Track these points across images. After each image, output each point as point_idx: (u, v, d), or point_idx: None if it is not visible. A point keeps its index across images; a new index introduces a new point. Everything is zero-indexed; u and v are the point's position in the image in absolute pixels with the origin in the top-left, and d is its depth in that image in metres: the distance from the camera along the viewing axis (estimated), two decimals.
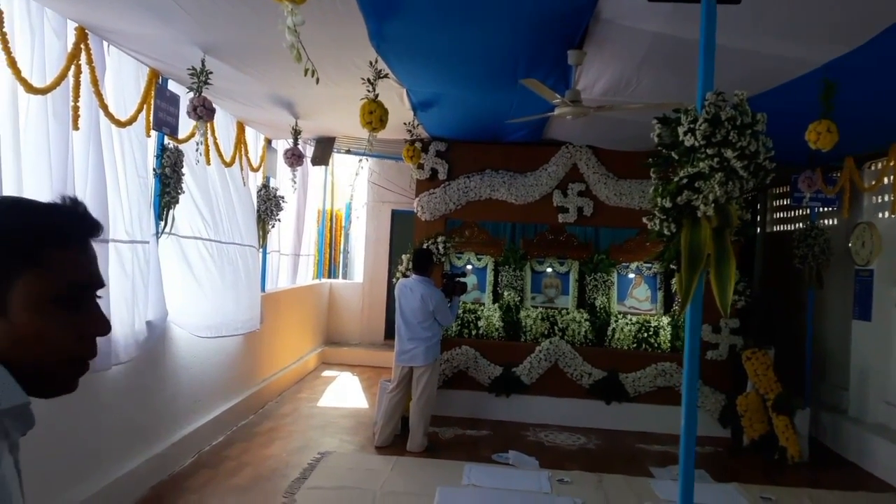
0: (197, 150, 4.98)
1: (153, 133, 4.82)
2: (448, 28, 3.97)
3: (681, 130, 2.45)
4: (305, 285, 9.86)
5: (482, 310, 7.60)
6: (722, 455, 6.53)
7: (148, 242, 4.80)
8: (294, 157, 6.87)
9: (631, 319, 7.43)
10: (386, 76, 4.65)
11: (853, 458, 6.43)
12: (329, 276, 11.54)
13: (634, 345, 7.33)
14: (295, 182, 7.44)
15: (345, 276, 12.42)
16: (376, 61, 4.45)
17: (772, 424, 6.45)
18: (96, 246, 1.08)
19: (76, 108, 3.88)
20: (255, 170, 7.12)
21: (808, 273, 6.97)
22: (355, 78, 4.73)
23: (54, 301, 0.99)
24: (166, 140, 5.02)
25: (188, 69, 4.56)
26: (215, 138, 5.76)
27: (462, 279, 6.53)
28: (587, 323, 7.42)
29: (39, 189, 3.64)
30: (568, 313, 7.53)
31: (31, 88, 3.48)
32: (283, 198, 7.48)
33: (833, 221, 7.38)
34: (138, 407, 4.80)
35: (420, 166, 7.52)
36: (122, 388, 4.55)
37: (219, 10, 3.68)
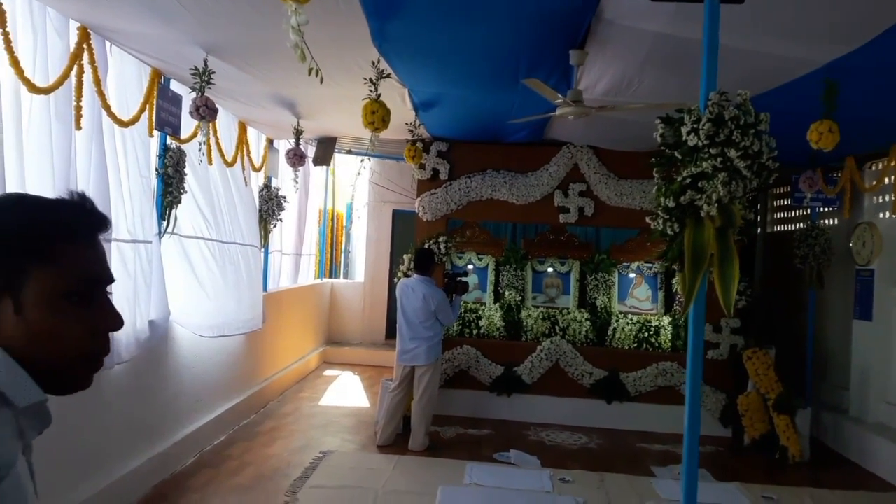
0: (200, 150, 4.98)
1: (155, 133, 4.83)
2: (450, 27, 3.98)
3: (684, 130, 2.46)
4: (307, 285, 9.87)
5: (483, 309, 7.60)
6: (723, 454, 6.53)
7: (150, 242, 4.81)
8: (296, 157, 6.88)
9: (632, 319, 7.44)
10: (388, 76, 4.65)
11: (854, 457, 6.43)
12: (330, 276, 11.55)
13: (635, 344, 7.34)
14: (297, 182, 7.45)
15: (346, 276, 12.43)
16: (378, 61, 4.46)
17: (773, 424, 6.46)
18: None
19: (79, 108, 3.88)
20: (257, 170, 7.13)
21: (808, 273, 6.98)
22: (357, 78, 4.73)
23: (66, 297, 0.99)
24: (168, 140, 5.03)
25: (190, 69, 4.56)
26: (217, 138, 5.77)
27: (464, 279, 6.55)
28: (588, 323, 7.43)
29: (42, 189, 3.64)
30: (569, 313, 7.53)
31: (33, 88, 3.49)
32: (284, 198, 7.49)
33: (834, 221, 7.38)
34: (141, 406, 4.80)
35: (421, 166, 7.53)
36: (125, 388, 4.56)
37: (221, 9, 3.69)
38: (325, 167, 9.97)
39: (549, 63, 4.45)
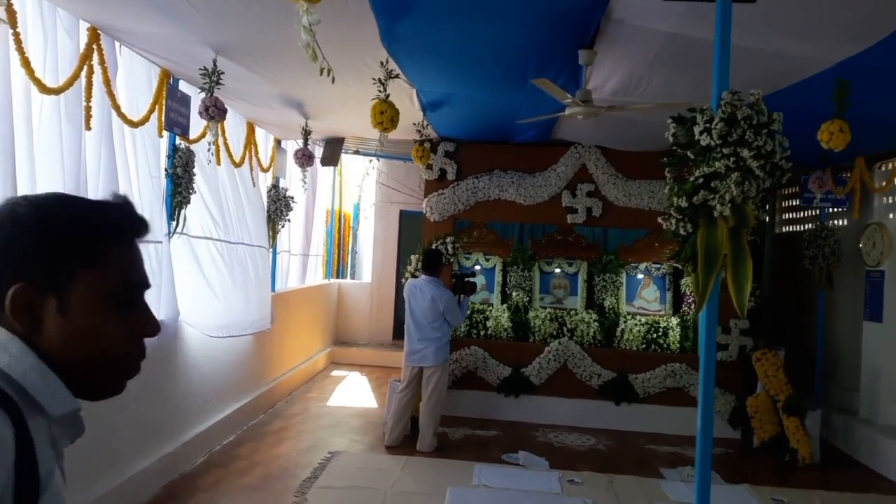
0: (209, 151, 4.99)
1: (165, 133, 4.84)
2: (459, 27, 3.97)
3: (696, 130, 2.44)
4: (315, 285, 9.88)
5: (491, 310, 7.59)
6: (732, 456, 6.51)
7: (161, 242, 4.82)
8: (304, 158, 6.89)
9: (640, 320, 7.42)
10: (397, 76, 4.65)
11: (864, 459, 6.39)
12: (338, 277, 11.55)
13: (643, 346, 7.32)
14: (305, 182, 7.45)
15: (353, 277, 12.44)
16: (387, 61, 4.45)
17: (782, 426, 6.43)
18: None
19: (88, 109, 3.89)
20: (265, 170, 7.14)
21: (818, 274, 6.94)
22: (365, 78, 4.73)
23: (110, 299, 0.97)
24: (178, 140, 5.03)
25: (200, 69, 4.57)
26: (225, 139, 5.78)
27: (472, 279, 6.53)
28: (596, 324, 7.41)
29: (53, 189, 3.65)
30: (576, 314, 7.52)
31: (44, 89, 3.49)
32: (292, 198, 7.50)
33: (843, 222, 7.35)
34: (150, 406, 4.81)
35: (429, 167, 7.52)
36: (134, 387, 4.49)
37: (231, 9, 3.69)
38: (332, 168, 9.98)
39: (558, 63, 4.44)
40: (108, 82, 4.03)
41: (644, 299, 7.70)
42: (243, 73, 4.89)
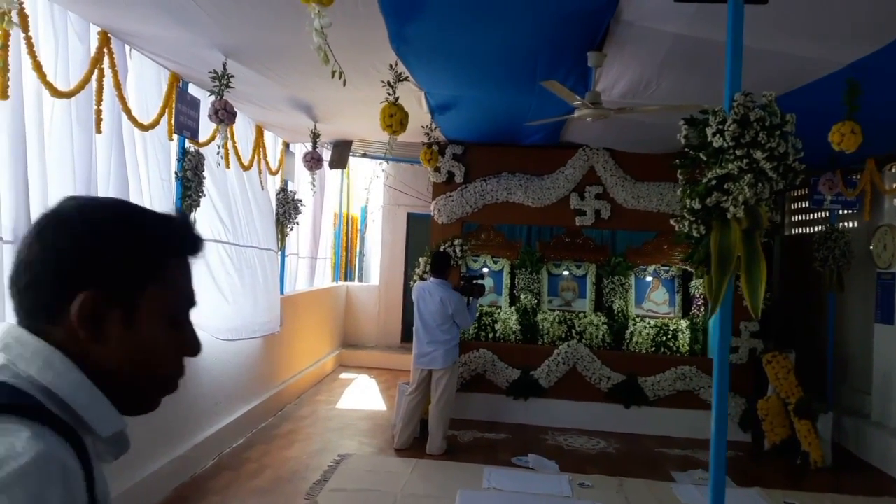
0: (218, 154, 5.00)
1: (175, 136, 4.85)
2: (469, 29, 3.97)
3: (709, 131, 2.43)
4: (323, 288, 9.89)
5: (499, 313, 7.58)
6: (743, 459, 6.47)
7: None
8: (313, 161, 6.90)
9: (649, 323, 7.39)
10: (406, 79, 4.65)
11: (876, 462, 6.34)
12: (346, 279, 11.55)
13: (653, 348, 7.29)
14: (314, 185, 7.46)
15: (361, 279, 12.44)
16: (396, 64, 4.45)
17: (793, 429, 6.39)
18: None
19: (99, 112, 3.90)
20: (274, 173, 7.15)
21: (828, 276, 6.90)
22: (374, 81, 4.74)
23: (168, 316, 0.95)
24: (187, 143, 5.05)
25: (209, 72, 4.58)
26: (234, 142, 5.79)
27: (480, 281, 6.52)
28: (605, 326, 7.39)
29: (63, 193, 3.66)
30: (585, 316, 7.50)
31: (56, 92, 3.51)
32: (301, 201, 7.51)
33: (853, 224, 7.30)
34: (161, 409, 4.76)
35: (437, 169, 7.52)
36: None
37: (241, 13, 3.70)
38: (339, 170, 9.99)
39: (567, 65, 4.43)
40: (118, 86, 4.04)
41: (653, 302, 7.67)
42: (253, 77, 4.90)
